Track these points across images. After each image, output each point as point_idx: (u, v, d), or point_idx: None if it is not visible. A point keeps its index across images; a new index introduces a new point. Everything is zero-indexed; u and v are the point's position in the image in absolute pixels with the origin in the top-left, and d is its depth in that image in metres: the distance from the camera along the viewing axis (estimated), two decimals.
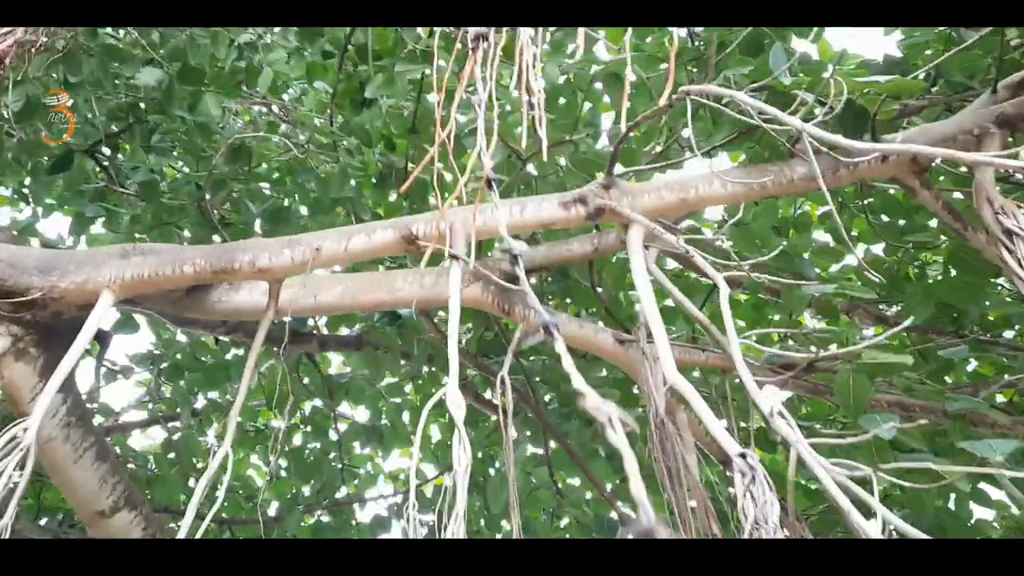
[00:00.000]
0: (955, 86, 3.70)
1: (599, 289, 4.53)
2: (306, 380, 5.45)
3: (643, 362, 3.40)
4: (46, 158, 4.65)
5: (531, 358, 5.14)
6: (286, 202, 5.18)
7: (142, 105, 4.82)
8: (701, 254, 2.52)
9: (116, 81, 4.50)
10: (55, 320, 2.82)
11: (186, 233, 5.08)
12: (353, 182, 5.04)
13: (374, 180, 5.42)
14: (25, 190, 5.60)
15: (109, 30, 4.37)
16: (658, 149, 4.59)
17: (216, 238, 4.67)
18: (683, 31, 5.08)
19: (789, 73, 3.14)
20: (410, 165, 5.26)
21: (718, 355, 3.48)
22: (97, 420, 6.07)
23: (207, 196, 4.56)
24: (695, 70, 4.57)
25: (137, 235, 5.37)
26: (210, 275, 2.87)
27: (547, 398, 5.44)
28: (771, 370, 3.76)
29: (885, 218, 4.26)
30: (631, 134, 4.64)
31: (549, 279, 4.79)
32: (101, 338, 3.29)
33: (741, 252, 3.51)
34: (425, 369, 5.43)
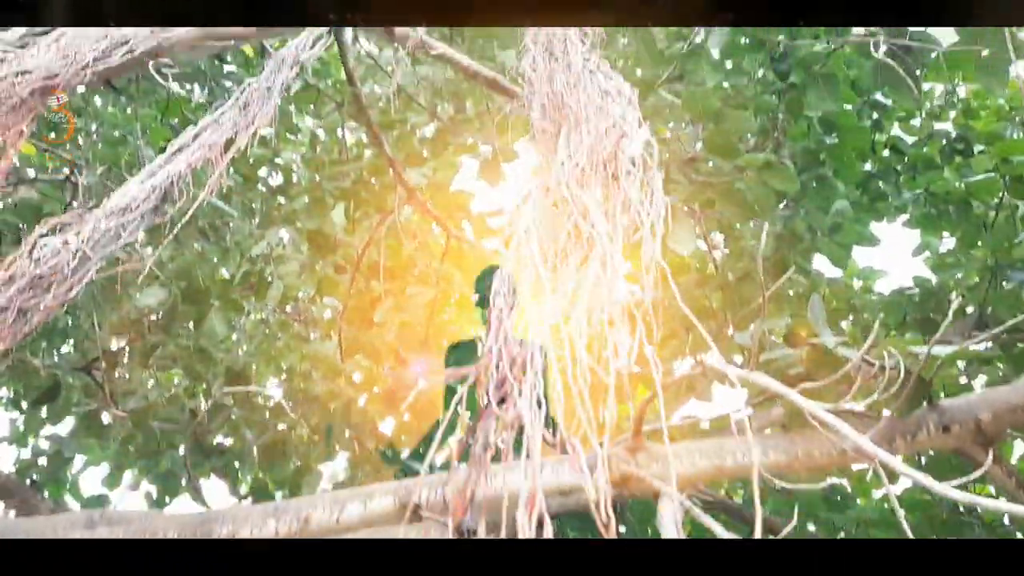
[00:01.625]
0: (1003, 323, 3.46)
1: (623, 529, 4.13)
2: None
3: None
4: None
5: None
6: (299, 413, 4.91)
7: (146, 321, 4.64)
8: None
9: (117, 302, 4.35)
10: None
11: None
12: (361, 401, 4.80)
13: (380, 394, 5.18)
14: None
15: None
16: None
17: (208, 464, 4.36)
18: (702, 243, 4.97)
19: (824, 304, 2.90)
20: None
21: None
22: None
23: (204, 421, 4.29)
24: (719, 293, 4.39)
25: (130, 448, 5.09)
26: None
27: None
28: None
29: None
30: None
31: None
32: None
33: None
34: None
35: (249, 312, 6.78)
